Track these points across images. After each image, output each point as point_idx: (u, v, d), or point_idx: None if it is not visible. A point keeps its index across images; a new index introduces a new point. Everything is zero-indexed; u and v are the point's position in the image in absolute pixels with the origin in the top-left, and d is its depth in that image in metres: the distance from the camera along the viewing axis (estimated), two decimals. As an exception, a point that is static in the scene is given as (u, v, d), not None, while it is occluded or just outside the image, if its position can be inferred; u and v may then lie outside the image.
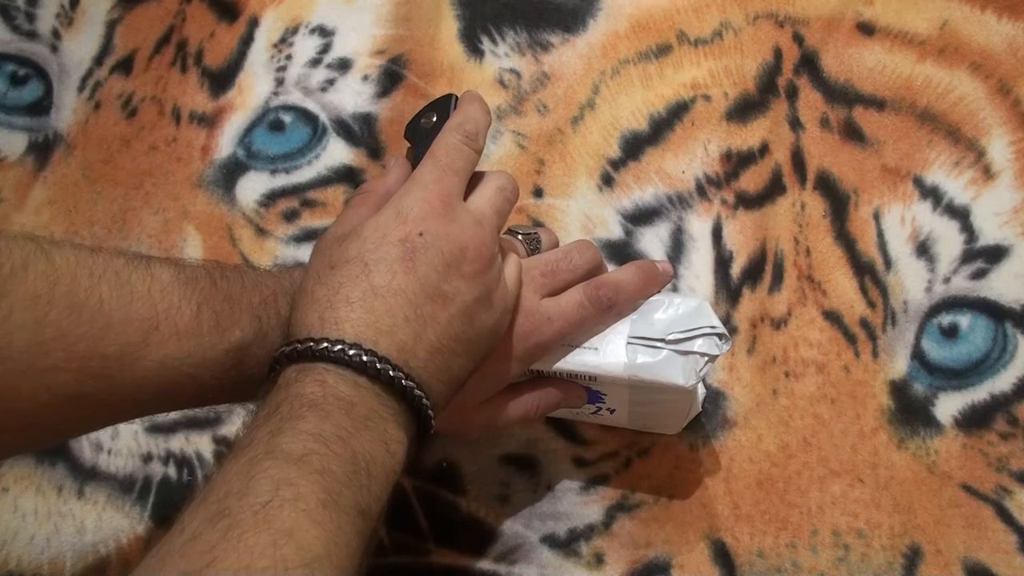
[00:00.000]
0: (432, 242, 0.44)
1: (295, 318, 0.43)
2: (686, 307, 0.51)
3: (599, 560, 0.55)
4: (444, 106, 0.51)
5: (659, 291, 0.53)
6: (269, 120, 0.68)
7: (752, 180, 0.63)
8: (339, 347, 0.40)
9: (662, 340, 0.50)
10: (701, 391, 0.55)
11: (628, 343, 0.50)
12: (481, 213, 0.47)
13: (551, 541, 0.56)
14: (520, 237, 0.53)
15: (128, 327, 0.42)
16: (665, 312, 0.51)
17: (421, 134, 0.50)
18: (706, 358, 0.49)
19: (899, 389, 0.57)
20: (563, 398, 0.52)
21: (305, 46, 0.70)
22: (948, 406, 0.57)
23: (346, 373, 0.40)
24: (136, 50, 0.71)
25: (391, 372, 0.41)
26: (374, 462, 0.39)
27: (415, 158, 0.49)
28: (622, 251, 0.62)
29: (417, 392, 0.42)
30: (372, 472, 0.39)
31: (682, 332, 0.50)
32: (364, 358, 0.40)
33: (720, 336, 0.50)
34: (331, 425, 0.39)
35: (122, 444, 0.59)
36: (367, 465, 0.39)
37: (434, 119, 0.50)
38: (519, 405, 0.51)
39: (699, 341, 0.49)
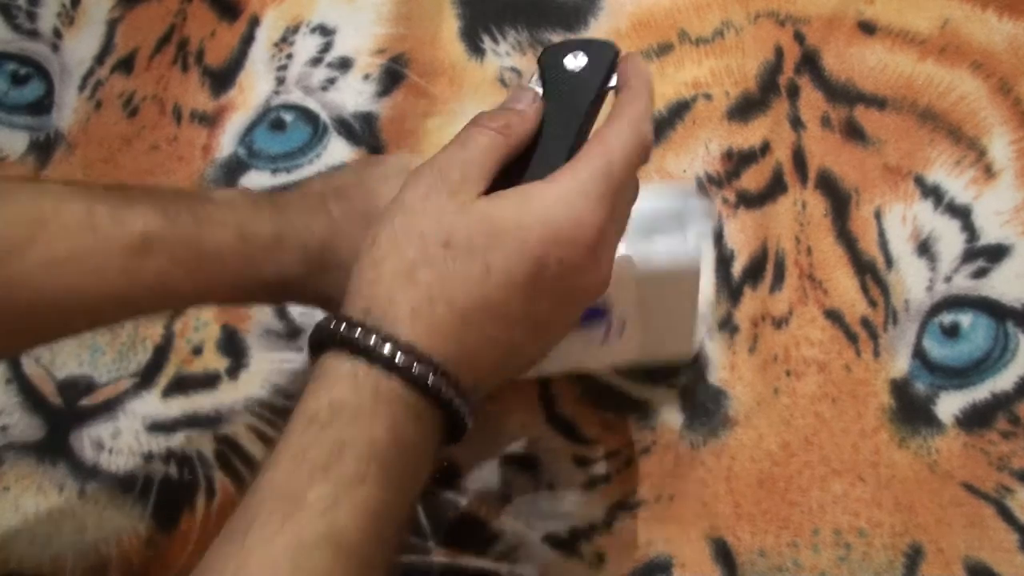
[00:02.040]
0: (566, 277, 0.38)
1: (371, 275, 0.37)
2: (667, 196, 0.48)
3: (600, 559, 0.55)
4: (601, 53, 0.42)
5: None
6: (270, 119, 0.68)
7: (753, 179, 0.63)
8: (427, 371, 0.35)
9: (653, 230, 0.47)
10: (705, 294, 0.50)
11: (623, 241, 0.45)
12: (615, 250, 0.41)
13: (552, 540, 0.56)
14: None
15: (9, 228, 0.38)
16: (648, 204, 0.46)
17: (563, 75, 0.42)
18: (700, 228, 0.47)
19: (900, 388, 0.57)
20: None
21: (306, 45, 0.70)
22: (949, 405, 0.57)
23: (419, 403, 0.36)
24: (137, 49, 0.71)
25: (461, 409, 0.37)
26: (415, 495, 0.37)
27: (547, 99, 0.42)
28: (623, 250, 0.62)
29: (468, 420, 0.38)
30: (414, 505, 0.37)
31: (669, 217, 0.47)
32: (445, 391, 0.36)
33: (706, 209, 0.47)
34: (394, 492, 0.35)
35: (123, 443, 0.59)
36: (413, 501, 0.37)
37: (585, 63, 0.42)
38: None
39: (689, 217, 0.47)
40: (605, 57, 0.42)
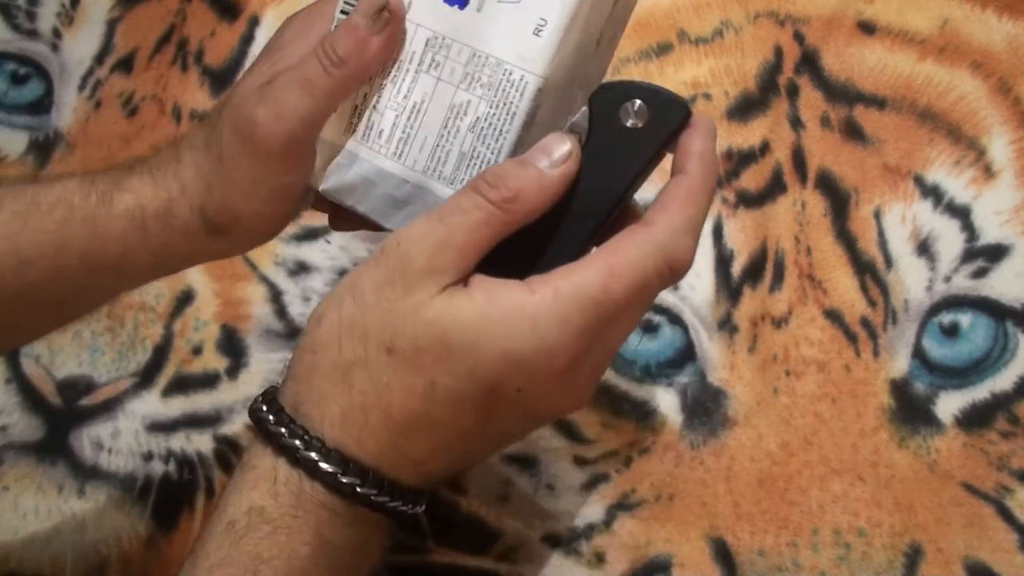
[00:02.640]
0: (527, 402, 0.33)
1: (308, 360, 0.34)
2: None
3: (600, 559, 0.55)
4: (668, 111, 0.34)
5: None
6: (270, 119, 0.68)
7: (753, 179, 0.63)
8: (354, 480, 0.32)
9: None
10: None
11: None
12: (601, 373, 0.36)
13: (552, 540, 0.56)
14: None
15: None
16: None
17: (612, 128, 0.34)
18: None
19: (900, 388, 0.57)
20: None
21: (306, 45, 0.70)
22: (949, 405, 0.57)
23: (348, 510, 0.33)
24: (137, 49, 0.71)
25: (403, 508, 0.34)
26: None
27: (585, 156, 0.34)
28: (623, 250, 0.62)
29: (417, 512, 0.35)
30: None
31: None
32: (377, 497, 0.32)
33: None
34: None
35: (123, 443, 0.59)
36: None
37: (645, 120, 0.34)
38: None
39: None
40: (672, 118, 0.34)
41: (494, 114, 0.36)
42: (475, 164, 0.37)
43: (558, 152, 0.33)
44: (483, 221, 0.32)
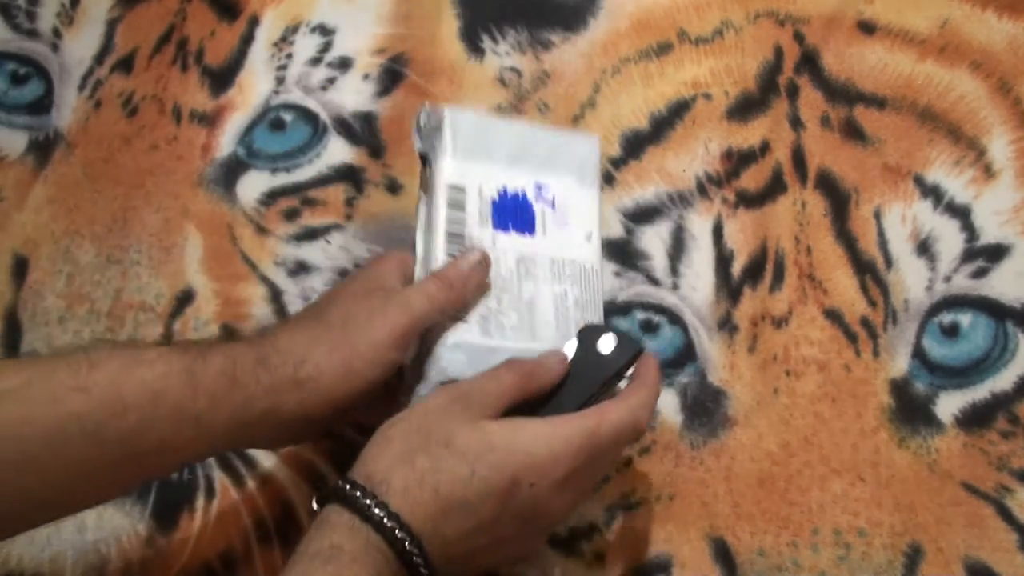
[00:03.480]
0: (534, 499, 0.45)
1: (380, 447, 0.45)
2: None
3: (600, 559, 0.55)
4: (628, 346, 0.50)
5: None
6: (270, 119, 0.68)
7: (753, 179, 0.63)
8: (404, 537, 0.43)
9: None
10: None
11: None
12: (583, 499, 0.50)
13: (552, 540, 0.56)
14: None
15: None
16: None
17: (592, 351, 0.50)
18: None
19: (900, 388, 0.57)
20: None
21: (305, 45, 0.70)
22: (949, 405, 0.57)
23: (393, 562, 0.43)
24: (137, 49, 0.71)
25: (423, 574, 0.44)
26: None
27: (573, 368, 0.49)
28: (623, 249, 0.62)
29: None
30: None
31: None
32: (416, 558, 0.43)
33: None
34: None
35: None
36: None
37: (612, 348, 0.50)
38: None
39: None
40: (630, 350, 0.50)
41: (584, 293, 0.54)
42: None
43: (555, 358, 0.49)
44: (513, 384, 0.47)
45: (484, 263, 0.52)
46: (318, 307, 0.51)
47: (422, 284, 0.51)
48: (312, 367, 0.47)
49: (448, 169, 0.54)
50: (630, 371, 0.50)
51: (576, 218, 0.56)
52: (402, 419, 0.46)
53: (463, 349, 0.50)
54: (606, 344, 0.50)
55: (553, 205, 0.55)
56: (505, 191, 0.55)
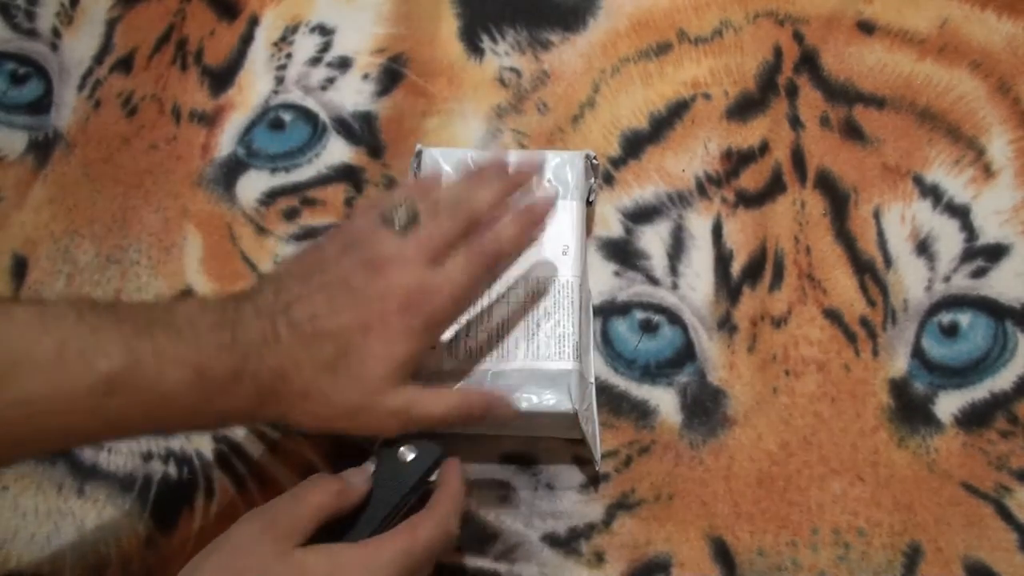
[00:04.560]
0: None
1: None
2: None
3: (599, 559, 0.55)
4: (427, 453, 0.50)
5: (544, 228, 0.54)
6: (269, 119, 0.68)
7: (752, 178, 0.63)
8: None
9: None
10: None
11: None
12: None
13: (551, 540, 0.56)
14: (396, 229, 0.50)
15: None
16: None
17: (393, 463, 0.50)
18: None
19: (899, 387, 0.57)
20: (489, 407, 0.52)
21: (305, 45, 0.70)
22: (948, 404, 0.57)
23: None
24: (136, 48, 0.71)
25: None
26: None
27: (375, 480, 0.49)
28: (622, 249, 0.62)
29: None
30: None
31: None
32: None
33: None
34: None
35: (122, 443, 0.59)
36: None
37: (411, 458, 0.50)
38: (439, 401, 0.50)
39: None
40: (429, 457, 0.50)
41: (558, 310, 0.56)
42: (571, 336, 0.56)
43: (358, 476, 0.49)
44: (320, 504, 0.46)
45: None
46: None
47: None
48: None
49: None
50: (434, 476, 0.50)
51: (553, 233, 0.56)
52: (212, 552, 0.45)
53: (426, 378, 0.51)
54: (406, 454, 0.50)
55: None
56: None
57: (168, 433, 0.57)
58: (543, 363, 0.55)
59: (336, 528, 0.47)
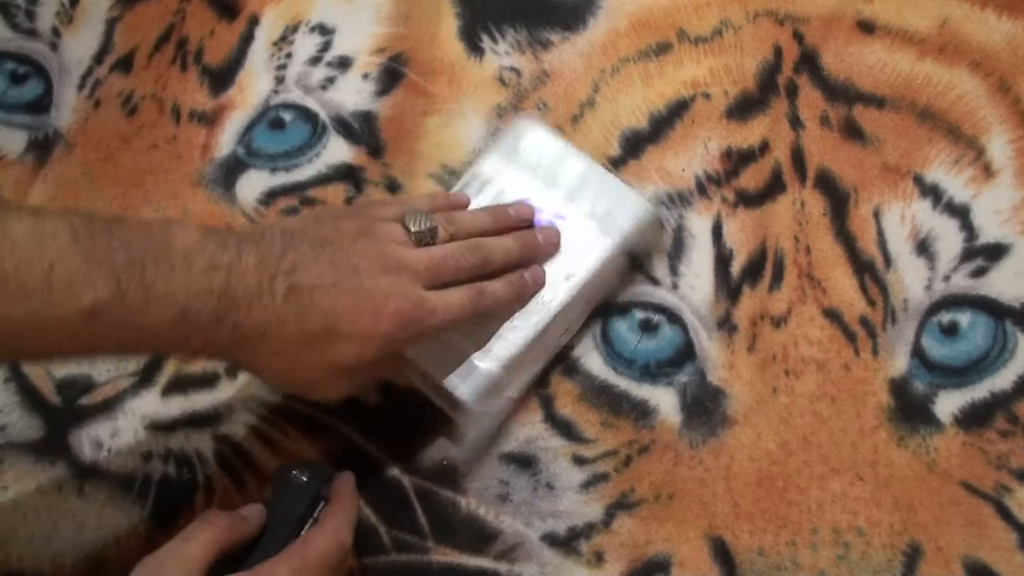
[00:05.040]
0: None
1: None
2: None
3: (599, 558, 0.55)
4: (318, 473, 0.53)
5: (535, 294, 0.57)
6: (269, 118, 0.68)
7: (752, 178, 0.63)
8: None
9: None
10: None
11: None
12: None
13: (551, 539, 0.56)
14: (412, 234, 0.53)
15: None
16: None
17: (286, 486, 0.52)
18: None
19: (899, 387, 0.57)
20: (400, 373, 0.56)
21: (305, 44, 0.70)
22: (948, 404, 0.57)
23: None
24: (136, 48, 0.71)
25: None
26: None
27: (271, 505, 0.51)
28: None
29: None
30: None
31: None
32: None
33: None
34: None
35: (122, 442, 0.59)
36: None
37: (304, 479, 0.52)
38: (370, 382, 0.56)
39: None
40: (321, 475, 0.53)
41: (539, 334, 0.57)
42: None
43: (252, 509, 0.50)
44: (212, 537, 0.47)
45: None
46: None
47: None
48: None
49: (487, 161, 0.60)
50: (325, 492, 0.53)
51: (568, 258, 0.57)
52: None
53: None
54: (299, 476, 0.52)
55: None
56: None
57: (136, 356, 0.59)
58: (476, 354, 0.56)
59: (240, 557, 0.49)
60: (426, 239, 0.53)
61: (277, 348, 0.48)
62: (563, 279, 0.57)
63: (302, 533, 0.50)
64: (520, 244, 0.57)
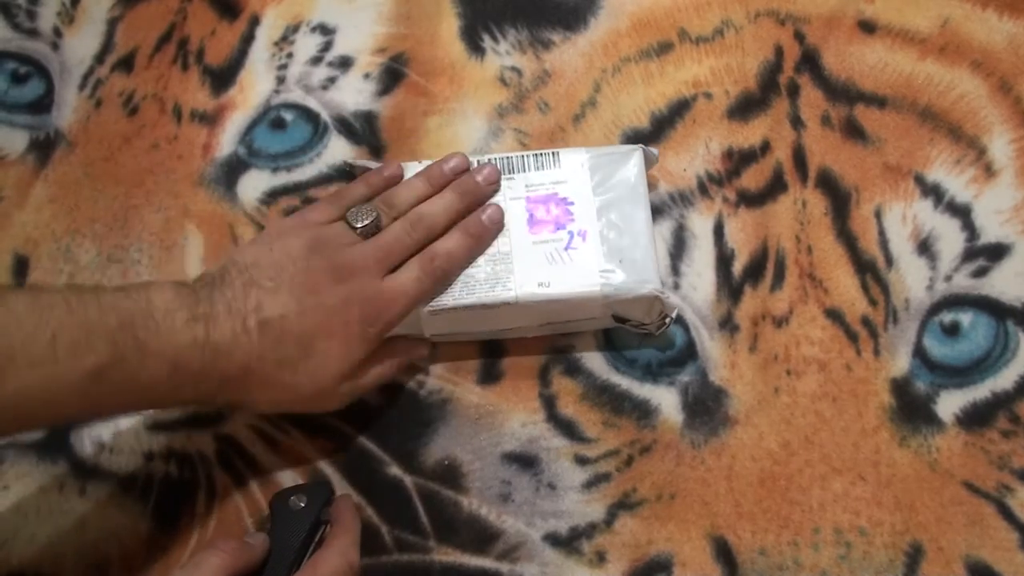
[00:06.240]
0: None
1: None
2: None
3: (601, 558, 0.55)
4: (317, 495, 0.54)
5: (491, 242, 0.58)
6: (270, 118, 0.68)
7: (753, 178, 0.63)
8: None
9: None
10: None
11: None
12: None
13: (553, 539, 0.56)
14: (357, 231, 0.55)
15: None
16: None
17: (286, 513, 0.53)
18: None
19: (901, 387, 0.57)
20: (408, 355, 0.58)
21: (306, 44, 0.70)
22: (950, 404, 0.57)
23: None
24: (137, 48, 0.71)
25: None
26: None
27: (272, 534, 0.52)
28: (624, 249, 0.62)
29: None
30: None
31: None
32: None
33: None
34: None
35: (123, 442, 0.59)
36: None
37: (303, 504, 0.53)
38: (373, 373, 0.56)
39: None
40: (320, 498, 0.54)
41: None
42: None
43: (256, 537, 0.52)
44: (220, 564, 0.48)
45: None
46: None
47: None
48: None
49: (578, 155, 0.60)
50: (327, 515, 0.54)
51: (556, 269, 0.57)
52: None
53: (440, 315, 0.56)
54: (298, 502, 0.53)
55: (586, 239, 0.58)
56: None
57: (137, 412, 0.60)
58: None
59: None
60: (371, 231, 0.56)
61: (263, 380, 0.51)
62: (536, 285, 0.57)
63: (306, 558, 0.52)
64: (460, 194, 0.58)
